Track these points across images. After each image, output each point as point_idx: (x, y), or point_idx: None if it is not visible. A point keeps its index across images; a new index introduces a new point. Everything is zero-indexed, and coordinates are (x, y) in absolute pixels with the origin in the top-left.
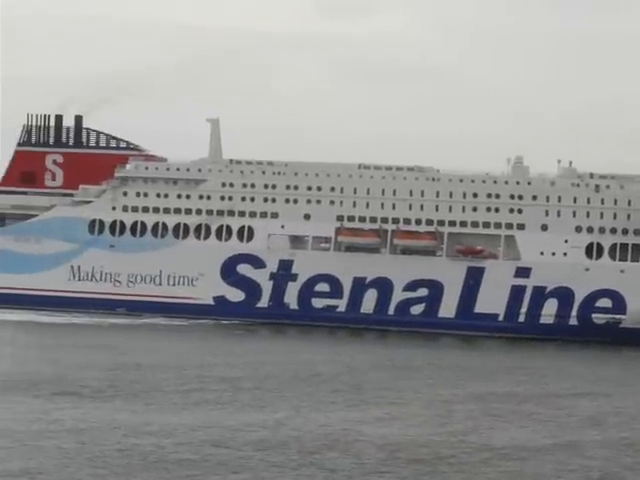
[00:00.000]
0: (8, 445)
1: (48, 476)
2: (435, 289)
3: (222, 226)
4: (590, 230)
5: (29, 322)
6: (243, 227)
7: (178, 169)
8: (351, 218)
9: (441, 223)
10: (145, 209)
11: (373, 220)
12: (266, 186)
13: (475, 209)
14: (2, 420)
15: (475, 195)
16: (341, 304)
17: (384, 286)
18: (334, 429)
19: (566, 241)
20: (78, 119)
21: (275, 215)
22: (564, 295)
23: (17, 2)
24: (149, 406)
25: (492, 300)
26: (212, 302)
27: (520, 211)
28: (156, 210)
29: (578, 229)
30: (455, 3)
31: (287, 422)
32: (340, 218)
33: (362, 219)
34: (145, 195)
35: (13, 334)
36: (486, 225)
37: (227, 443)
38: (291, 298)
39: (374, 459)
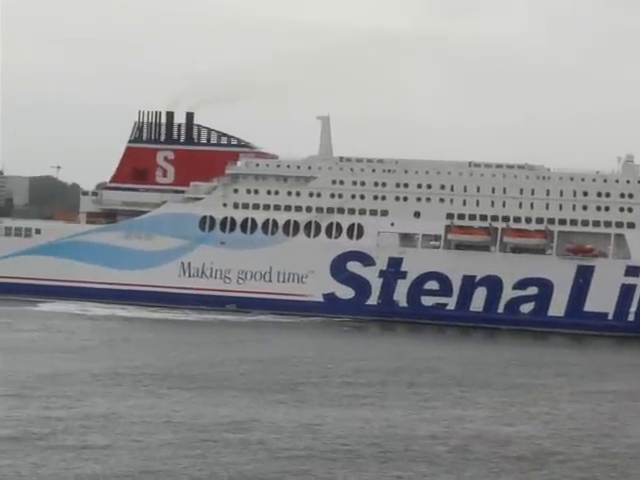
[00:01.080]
0: (188, 438)
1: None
2: (545, 287)
3: (332, 223)
4: None
5: (139, 318)
6: (353, 225)
7: (288, 166)
8: (461, 216)
9: (551, 221)
10: (255, 206)
11: (483, 218)
12: (376, 184)
13: (585, 208)
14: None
15: (585, 194)
16: (450, 302)
17: (494, 284)
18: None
19: None
20: (189, 116)
21: (385, 213)
22: None
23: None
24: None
25: (602, 299)
26: (322, 299)
27: (630, 210)
28: (266, 207)
29: None
30: (564, 2)
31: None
32: (450, 216)
33: (472, 217)
34: (256, 192)
35: (129, 330)
36: (596, 224)
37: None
38: (400, 296)
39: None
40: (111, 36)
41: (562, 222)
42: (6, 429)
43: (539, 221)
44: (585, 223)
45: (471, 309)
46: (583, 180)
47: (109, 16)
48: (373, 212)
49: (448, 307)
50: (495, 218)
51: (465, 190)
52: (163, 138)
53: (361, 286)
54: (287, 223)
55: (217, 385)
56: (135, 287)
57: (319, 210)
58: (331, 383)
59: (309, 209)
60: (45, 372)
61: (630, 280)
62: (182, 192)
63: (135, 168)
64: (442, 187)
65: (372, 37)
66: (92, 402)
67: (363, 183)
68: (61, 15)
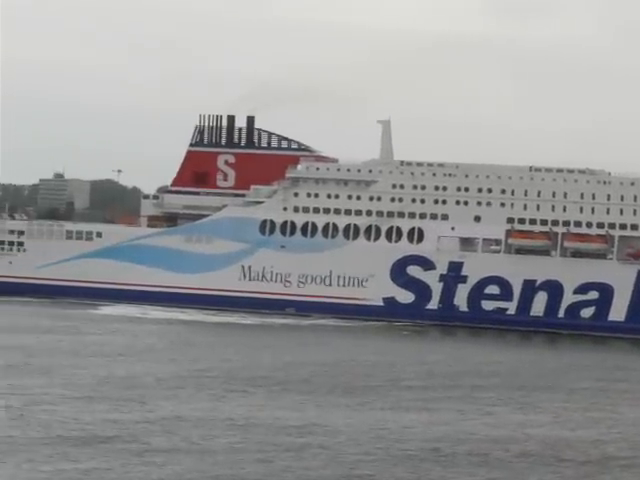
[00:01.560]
0: (251, 442)
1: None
2: (605, 292)
3: (392, 227)
4: None
5: (198, 322)
6: (413, 229)
7: (349, 170)
8: (521, 220)
9: (612, 226)
10: (316, 210)
11: (544, 223)
12: (437, 188)
13: None
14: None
15: None
16: (511, 307)
17: (554, 289)
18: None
19: None
20: (250, 120)
21: (445, 217)
22: None
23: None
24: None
25: None
26: (382, 303)
27: None
28: (326, 211)
29: None
30: (632, 3)
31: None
32: (510, 220)
33: (533, 221)
34: (316, 196)
35: (190, 334)
36: None
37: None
38: (461, 300)
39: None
40: (175, 41)
41: (623, 227)
42: (72, 432)
43: (600, 226)
44: None
45: (531, 314)
46: None
47: (173, 21)
48: (433, 216)
49: (508, 312)
50: (556, 223)
51: (526, 194)
52: (224, 142)
53: (421, 290)
54: (347, 227)
55: (280, 388)
56: (195, 291)
57: (379, 214)
58: (392, 387)
59: (369, 213)
60: (110, 375)
61: None
62: (242, 196)
63: (196, 172)
64: (503, 191)
65: (436, 40)
66: (156, 405)
67: (424, 187)
68: (125, 20)
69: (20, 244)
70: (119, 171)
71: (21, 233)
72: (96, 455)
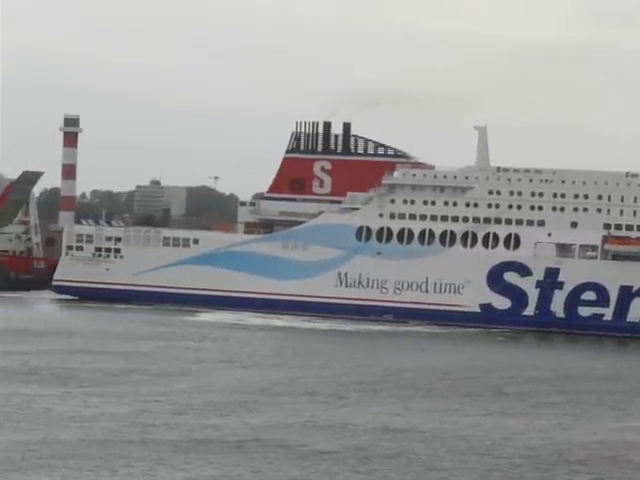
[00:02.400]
0: (345, 447)
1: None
2: None
3: (489, 234)
4: None
5: (295, 328)
6: (510, 235)
7: (445, 176)
8: (618, 226)
9: None
10: (412, 216)
11: None
12: (533, 194)
13: None
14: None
15: None
16: (607, 312)
17: None
18: None
19: None
20: (346, 126)
21: (542, 223)
22: None
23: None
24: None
25: None
26: (478, 310)
27: None
28: (423, 217)
29: None
30: None
31: None
32: (607, 226)
33: (629, 227)
34: (412, 202)
35: (294, 340)
36: None
37: None
38: (557, 306)
39: None
40: (272, 46)
41: None
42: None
43: None
44: None
45: (628, 319)
46: None
47: (270, 26)
48: (530, 222)
49: (605, 317)
50: None
51: (622, 200)
52: (320, 148)
53: (518, 296)
54: (444, 233)
55: (371, 396)
56: (292, 297)
57: (476, 220)
58: (489, 392)
59: (466, 219)
60: (223, 383)
61: None
62: (339, 202)
63: (292, 178)
64: (599, 197)
65: (531, 46)
66: (265, 414)
67: (520, 193)
68: (225, 25)
69: (117, 251)
70: (216, 178)
71: (118, 240)
72: (254, 459)
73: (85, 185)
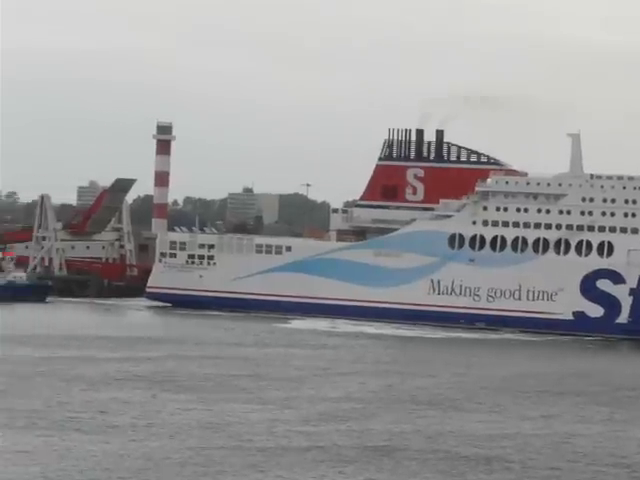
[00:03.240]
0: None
1: None
2: None
3: (582, 241)
4: None
5: (387, 335)
6: (603, 242)
7: (538, 184)
8: None
9: None
10: (505, 223)
11: None
12: (626, 201)
13: None
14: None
15: None
16: None
17: None
18: None
19: None
20: (439, 133)
21: (635, 230)
22: None
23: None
24: None
25: None
26: (571, 317)
27: None
28: (516, 224)
29: None
30: None
31: None
32: None
33: None
34: (505, 210)
35: (402, 348)
36: None
37: None
38: None
39: None
40: (370, 54)
41: None
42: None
43: None
44: None
45: None
46: None
47: (366, 33)
48: (623, 230)
49: None
50: None
51: None
52: (413, 155)
53: (611, 304)
54: (537, 241)
55: (462, 406)
56: (384, 304)
57: (569, 228)
58: (582, 399)
59: (559, 227)
60: (341, 390)
61: None
62: (431, 209)
63: (385, 186)
64: None
65: (623, 51)
66: (385, 420)
67: (613, 200)
68: (321, 31)
69: (210, 258)
70: (308, 185)
71: (211, 247)
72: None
73: (177, 192)
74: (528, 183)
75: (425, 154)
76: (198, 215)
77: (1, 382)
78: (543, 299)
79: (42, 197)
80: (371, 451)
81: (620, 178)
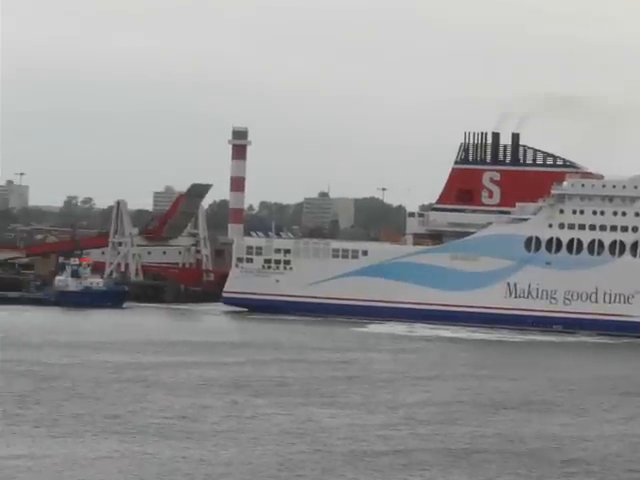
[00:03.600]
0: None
1: None
2: None
3: None
4: None
5: (464, 339)
6: None
7: (614, 186)
8: None
9: None
10: (581, 226)
11: None
12: None
13: None
14: None
15: None
16: None
17: None
18: None
19: None
20: (515, 137)
21: None
22: None
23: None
24: None
25: None
26: None
27: None
28: (592, 227)
29: None
30: None
31: None
32: None
33: None
34: (581, 212)
35: (469, 352)
36: None
37: None
38: None
39: None
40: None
41: None
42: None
43: None
44: None
45: None
46: None
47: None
48: None
49: None
50: None
51: None
52: (489, 159)
53: None
54: (613, 243)
55: (541, 409)
56: (461, 308)
57: None
58: None
59: (635, 229)
60: (423, 397)
61: None
62: (508, 213)
63: (461, 189)
64: None
65: None
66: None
67: None
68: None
69: (287, 262)
70: (383, 189)
71: (287, 252)
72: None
73: (253, 197)
74: (604, 186)
75: (501, 157)
76: (273, 220)
77: (82, 387)
78: (620, 302)
79: (118, 203)
80: (451, 455)
81: None
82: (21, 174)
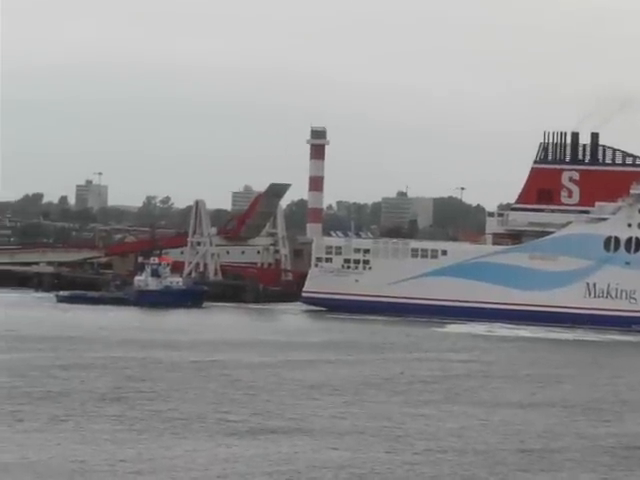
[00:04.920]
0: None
1: None
2: None
3: None
4: None
5: (544, 339)
6: None
7: None
8: None
9: None
10: None
11: None
12: None
13: None
14: None
15: None
16: None
17: None
18: None
19: None
20: (594, 136)
21: None
22: None
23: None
24: None
25: None
26: None
27: None
28: None
29: None
30: None
31: None
32: None
33: None
34: None
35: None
36: None
37: None
38: None
39: None
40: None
41: None
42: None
43: None
44: None
45: None
46: None
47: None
48: None
49: None
50: None
51: None
52: (568, 159)
53: None
54: None
55: (619, 409)
56: (539, 308)
57: None
58: None
59: None
60: (502, 398)
61: None
62: (587, 212)
63: (540, 189)
64: None
65: None
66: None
67: None
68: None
69: (366, 262)
70: (462, 189)
71: (367, 251)
72: None
73: (331, 196)
74: None
75: (580, 157)
76: (353, 220)
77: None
78: None
79: (197, 202)
80: (527, 454)
81: None
82: (100, 174)
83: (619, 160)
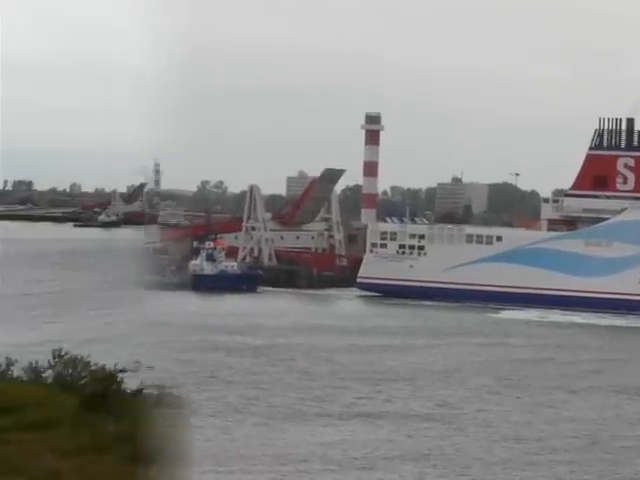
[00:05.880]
0: None
1: None
2: None
3: None
4: None
5: (599, 325)
6: None
7: None
8: None
9: None
10: None
11: None
12: None
13: None
14: None
15: None
16: None
17: None
18: None
19: None
20: None
21: None
22: None
23: None
24: None
25: None
26: None
27: None
28: None
29: None
30: None
31: None
32: None
33: None
34: None
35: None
36: None
37: None
38: None
39: None
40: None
41: None
42: None
43: None
44: None
45: None
46: None
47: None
48: None
49: None
50: None
51: None
52: (623, 145)
53: None
54: None
55: None
56: (595, 294)
57: None
58: None
59: None
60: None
61: None
62: None
63: (596, 175)
64: None
65: None
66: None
67: None
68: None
69: (421, 248)
70: (517, 174)
71: (422, 237)
72: None
73: (385, 182)
74: None
75: (636, 143)
76: (408, 205)
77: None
78: None
79: (251, 187)
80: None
81: None
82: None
83: None
